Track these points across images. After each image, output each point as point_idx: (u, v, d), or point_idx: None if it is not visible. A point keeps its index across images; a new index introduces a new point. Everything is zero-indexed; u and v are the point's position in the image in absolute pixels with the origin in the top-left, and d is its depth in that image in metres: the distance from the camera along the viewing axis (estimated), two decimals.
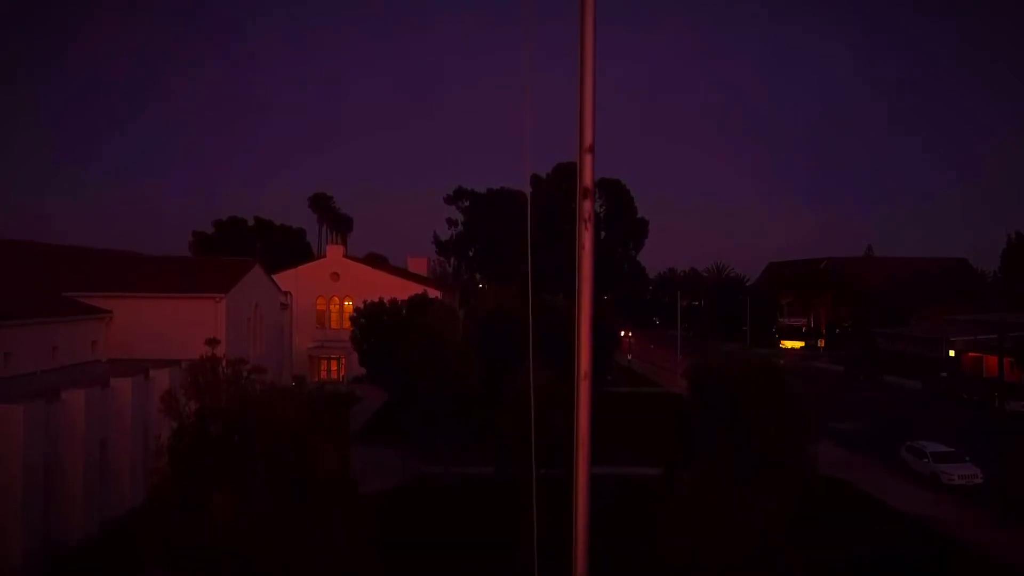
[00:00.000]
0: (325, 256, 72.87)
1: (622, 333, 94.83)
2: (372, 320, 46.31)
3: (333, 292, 67.63)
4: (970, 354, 70.35)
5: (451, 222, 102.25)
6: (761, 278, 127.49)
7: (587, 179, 4.20)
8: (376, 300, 52.30)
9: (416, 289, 65.81)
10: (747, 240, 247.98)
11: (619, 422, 44.38)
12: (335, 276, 67.69)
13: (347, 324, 60.23)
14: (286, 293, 58.33)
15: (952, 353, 72.05)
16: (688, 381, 22.53)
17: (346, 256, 72.75)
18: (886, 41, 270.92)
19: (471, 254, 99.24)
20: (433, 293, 63.63)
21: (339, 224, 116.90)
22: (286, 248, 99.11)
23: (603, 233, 79.91)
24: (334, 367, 65.50)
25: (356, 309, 48.40)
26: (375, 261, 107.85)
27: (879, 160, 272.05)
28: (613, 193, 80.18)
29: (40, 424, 21.41)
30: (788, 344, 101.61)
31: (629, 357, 76.72)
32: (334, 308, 68.01)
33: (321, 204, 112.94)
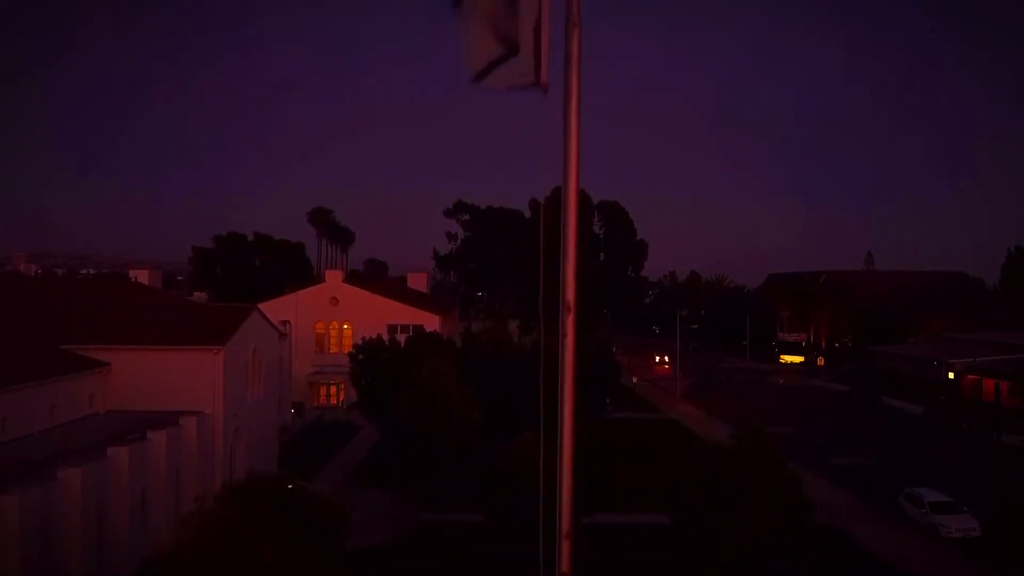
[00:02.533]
0: (324, 280, 72.98)
1: (657, 359, 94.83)
2: (371, 357, 46.38)
3: (332, 316, 67.66)
4: (969, 376, 70.24)
5: (450, 236, 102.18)
6: (761, 290, 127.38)
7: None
8: (375, 334, 52.40)
9: (415, 315, 65.99)
10: (748, 240, 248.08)
11: (617, 457, 44.12)
12: (334, 301, 67.71)
13: (347, 348, 60.26)
14: (285, 322, 58.31)
15: (951, 375, 71.90)
16: (690, 469, 22.54)
17: (345, 281, 72.84)
18: (888, 43, 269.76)
19: (471, 268, 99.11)
20: (432, 322, 63.76)
21: (339, 237, 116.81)
22: (286, 262, 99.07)
23: (602, 255, 80.00)
24: (333, 392, 65.52)
25: (355, 345, 48.51)
26: (374, 277, 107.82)
27: (880, 161, 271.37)
28: (612, 215, 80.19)
29: (37, 509, 21.41)
30: (788, 359, 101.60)
31: (634, 380, 75.97)
32: (333, 332, 68.04)
33: (320, 219, 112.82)
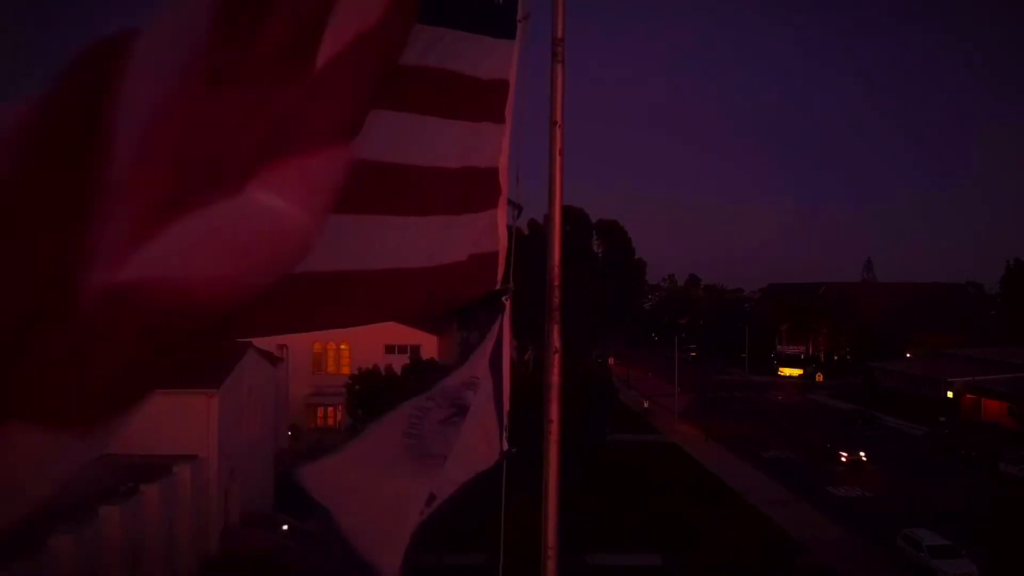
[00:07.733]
0: None
1: (650, 374, 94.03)
2: (366, 388, 46.23)
3: (330, 336, 67.43)
4: (968, 396, 69.89)
5: None
6: (760, 301, 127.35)
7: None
8: (372, 356, 52.38)
9: (413, 335, 65.76)
10: (748, 239, 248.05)
11: (614, 487, 43.60)
12: None
13: (344, 369, 60.04)
14: (283, 346, 58.11)
15: (950, 394, 71.44)
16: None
17: None
18: (889, 43, 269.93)
19: None
20: (430, 342, 63.64)
21: None
22: None
23: (601, 268, 79.63)
24: (331, 413, 65.25)
25: (352, 375, 48.38)
26: None
27: (879, 161, 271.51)
28: (610, 235, 79.86)
29: None
30: (786, 371, 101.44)
31: (645, 404, 75.22)
32: (331, 352, 67.89)
33: None
